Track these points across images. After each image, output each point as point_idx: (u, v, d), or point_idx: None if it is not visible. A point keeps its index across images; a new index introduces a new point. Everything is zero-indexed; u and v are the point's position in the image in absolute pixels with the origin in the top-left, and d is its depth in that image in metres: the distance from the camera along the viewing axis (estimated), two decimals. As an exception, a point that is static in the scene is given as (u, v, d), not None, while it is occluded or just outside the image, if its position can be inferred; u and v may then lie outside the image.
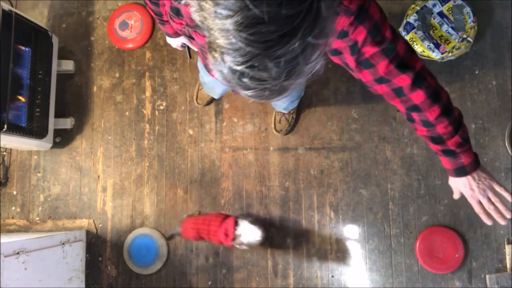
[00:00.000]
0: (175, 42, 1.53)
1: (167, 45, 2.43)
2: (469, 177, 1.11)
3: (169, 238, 2.22)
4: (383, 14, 0.90)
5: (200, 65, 1.69)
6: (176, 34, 1.44)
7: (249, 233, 1.91)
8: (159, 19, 1.34)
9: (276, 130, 2.27)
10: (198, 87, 2.34)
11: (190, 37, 1.14)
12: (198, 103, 2.34)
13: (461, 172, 1.11)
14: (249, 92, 0.64)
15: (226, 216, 1.99)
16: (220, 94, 1.97)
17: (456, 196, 1.19)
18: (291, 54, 0.58)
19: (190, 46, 1.54)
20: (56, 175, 2.39)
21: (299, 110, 2.30)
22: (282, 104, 1.96)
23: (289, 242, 2.23)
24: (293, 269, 2.21)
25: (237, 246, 1.94)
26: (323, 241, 2.22)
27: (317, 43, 0.60)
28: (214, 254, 2.26)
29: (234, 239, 1.91)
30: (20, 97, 2.10)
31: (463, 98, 2.22)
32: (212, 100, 2.33)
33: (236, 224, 1.93)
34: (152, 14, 1.33)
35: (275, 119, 2.28)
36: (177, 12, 0.99)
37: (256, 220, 2.00)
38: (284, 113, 2.23)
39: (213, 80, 1.68)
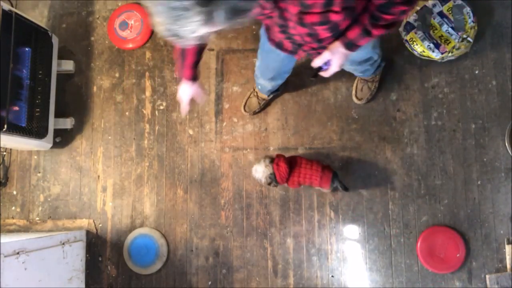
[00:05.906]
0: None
1: (167, 45, 2.43)
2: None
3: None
4: None
5: (268, 48, 1.56)
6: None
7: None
8: None
9: (357, 98, 2.26)
10: (249, 95, 2.30)
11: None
12: (245, 111, 2.30)
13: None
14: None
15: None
16: (288, 73, 1.91)
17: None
18: None
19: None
20: (56, 175, 2.39)
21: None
22: (359, 67, 1.91)
23: (289, 242, 2.23)
24: (293, 269, 2.21)
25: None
26: (323, 241, 2.22)
27: None
28: (214, 254, 2.26)
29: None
30: (20, 97, 2.10)
31: (463, 98, 2.22)
32: (260, 110, 2.30)
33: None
34: None
35: (356, 86, 2.26)
36: None
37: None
38: (367, 81, 2.21)
39: (285, 57, 1.58)
